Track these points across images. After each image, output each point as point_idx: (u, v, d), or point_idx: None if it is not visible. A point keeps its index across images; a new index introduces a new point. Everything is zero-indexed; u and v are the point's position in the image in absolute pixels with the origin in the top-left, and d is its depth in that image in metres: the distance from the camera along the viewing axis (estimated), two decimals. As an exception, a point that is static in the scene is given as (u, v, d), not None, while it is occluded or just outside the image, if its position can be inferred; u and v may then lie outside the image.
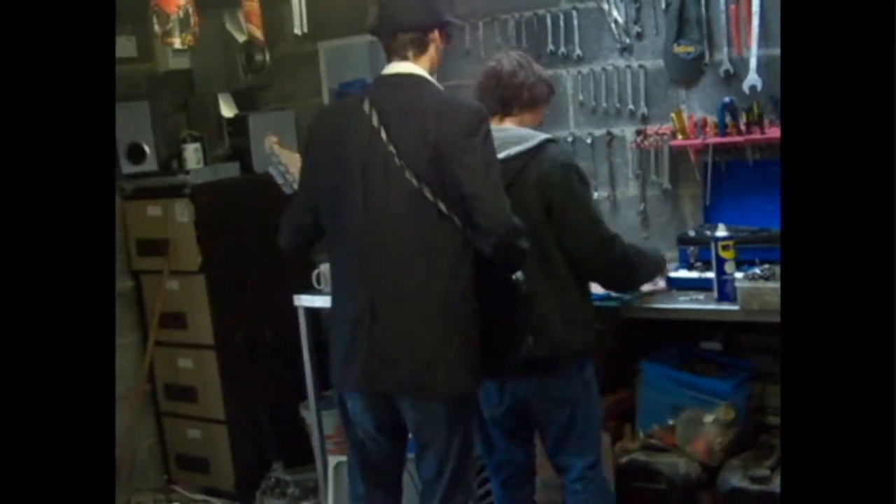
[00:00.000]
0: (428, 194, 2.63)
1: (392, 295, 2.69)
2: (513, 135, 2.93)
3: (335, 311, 2.86)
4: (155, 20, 3.49)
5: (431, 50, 2.82)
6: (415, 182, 2.63)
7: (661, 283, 3.37)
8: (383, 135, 2.68)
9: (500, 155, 2.78)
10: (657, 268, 3.22)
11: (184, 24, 3.45)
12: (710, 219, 3.66)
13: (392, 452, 2.90)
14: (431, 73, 2.84)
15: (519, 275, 2.77)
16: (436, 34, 2.82)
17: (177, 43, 3.50)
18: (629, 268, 3.01)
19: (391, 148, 2.67)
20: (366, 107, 2.73)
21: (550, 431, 2.99)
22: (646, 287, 3.26)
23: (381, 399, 2.78)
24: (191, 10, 3.46)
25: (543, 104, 3.12)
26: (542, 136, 2.94)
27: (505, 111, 3.01)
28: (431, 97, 2.75)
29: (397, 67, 2.80)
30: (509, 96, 3.01)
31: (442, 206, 2.63)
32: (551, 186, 2.86)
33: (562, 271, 2.89)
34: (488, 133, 2.67)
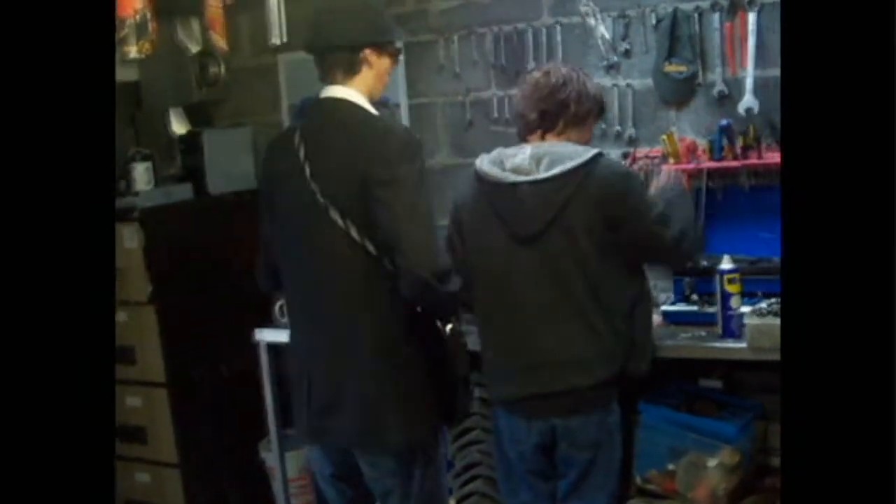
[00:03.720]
0: (355, 235, 2.48)
1: (328, 345, 2.63)
2: (559, 151, 2.72)
3: (291, 356, 2.83)
4: (108, 26, 3.17)
5: (365, 72, 2.62)
6: (340, 222, 2.48)
7: (657, 318, 3.18)
8: (307, 170, 2.54)
9: (551, 172, 2.66)
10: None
11: (141, 30, 3.12)
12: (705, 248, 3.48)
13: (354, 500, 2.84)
14: (371, 98, 2.65)
15: (453, 325, 2.66)
16: (368, 54, 2.61)
17: (133, 52, 3.16)
18: (693, 250, 2.99)
19: (314, 185, 2.52)
20: (296, 139, 2.60)
21: (567, 474, 2.80)
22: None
23: (336, 450, 2.73)
24: (149, 15, 3.13)
25: (591, 122, 2.94)
26: (593, 150, 2.73)
27: (547, 127, 2.81)
28: (358, 125, 2.58)
29: (327, 91, 2.63)
30: (553, 111, 2.80)
31: (370, 247, 2.48)
32: (615, 200, 2.69)
33: (610, 297, 2.74)
34: (418, 164, 2.51)
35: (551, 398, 2.74)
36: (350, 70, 2.61)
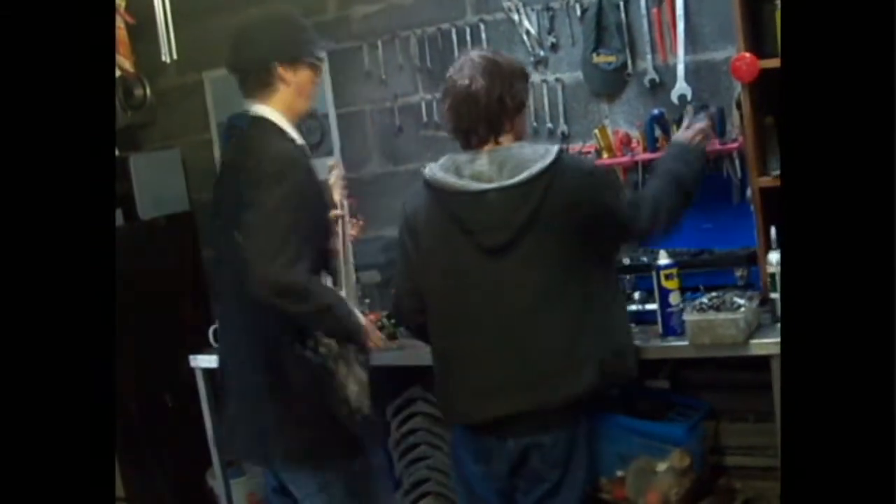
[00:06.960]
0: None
1: (237, 366, 2.68)
2: (519, 154, 2.53)
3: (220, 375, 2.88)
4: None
5: (282, 89, 2.56)
6: (238, 241, 2.46)
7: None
8: (219, 190, 2.61)
9: (517, 178, 2.48)
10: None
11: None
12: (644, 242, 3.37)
13: None
14: (293, 114, 2.59)
15: (309, 351, 2.55)
16: (281, 71, 2.54)
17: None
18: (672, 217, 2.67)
19: (222, 205, 2.57)
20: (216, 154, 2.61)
21: (530, 493, 2.64)
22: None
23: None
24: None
25: (526, 100, 2.69)
26: (553, 148, 2.54)
27: (496, 132, 2.58)
28: (249, 147, 2.54)
29: (246, 107, 2.60)
30: (496, 115, 2.56)
31: None
32: (587, 201, 2.51)
33: (583, 305, 2.56)
34: (285, 187, 2.43)
35: (527, 417, 2.57)
36: (265, 87, 2.56)
